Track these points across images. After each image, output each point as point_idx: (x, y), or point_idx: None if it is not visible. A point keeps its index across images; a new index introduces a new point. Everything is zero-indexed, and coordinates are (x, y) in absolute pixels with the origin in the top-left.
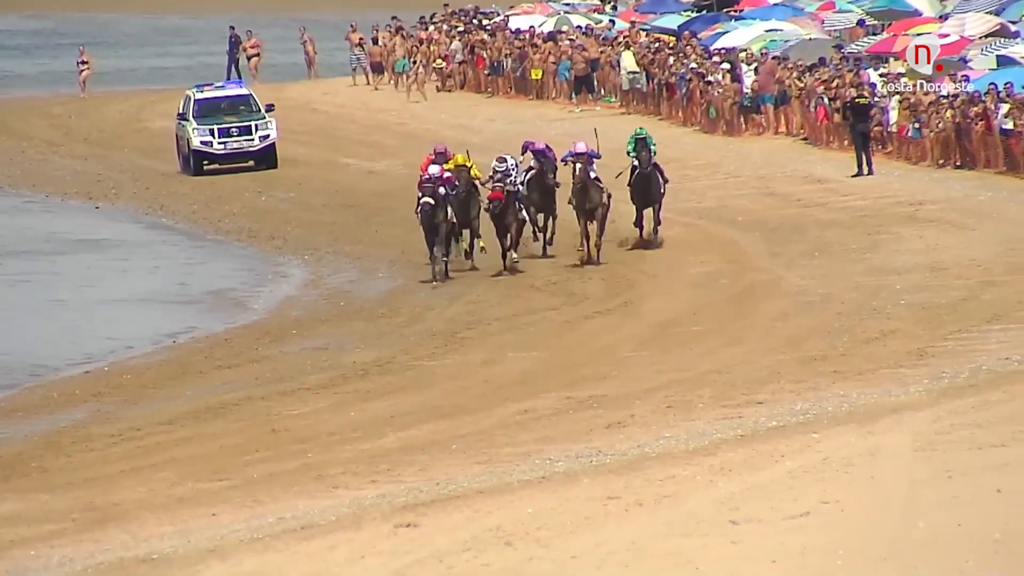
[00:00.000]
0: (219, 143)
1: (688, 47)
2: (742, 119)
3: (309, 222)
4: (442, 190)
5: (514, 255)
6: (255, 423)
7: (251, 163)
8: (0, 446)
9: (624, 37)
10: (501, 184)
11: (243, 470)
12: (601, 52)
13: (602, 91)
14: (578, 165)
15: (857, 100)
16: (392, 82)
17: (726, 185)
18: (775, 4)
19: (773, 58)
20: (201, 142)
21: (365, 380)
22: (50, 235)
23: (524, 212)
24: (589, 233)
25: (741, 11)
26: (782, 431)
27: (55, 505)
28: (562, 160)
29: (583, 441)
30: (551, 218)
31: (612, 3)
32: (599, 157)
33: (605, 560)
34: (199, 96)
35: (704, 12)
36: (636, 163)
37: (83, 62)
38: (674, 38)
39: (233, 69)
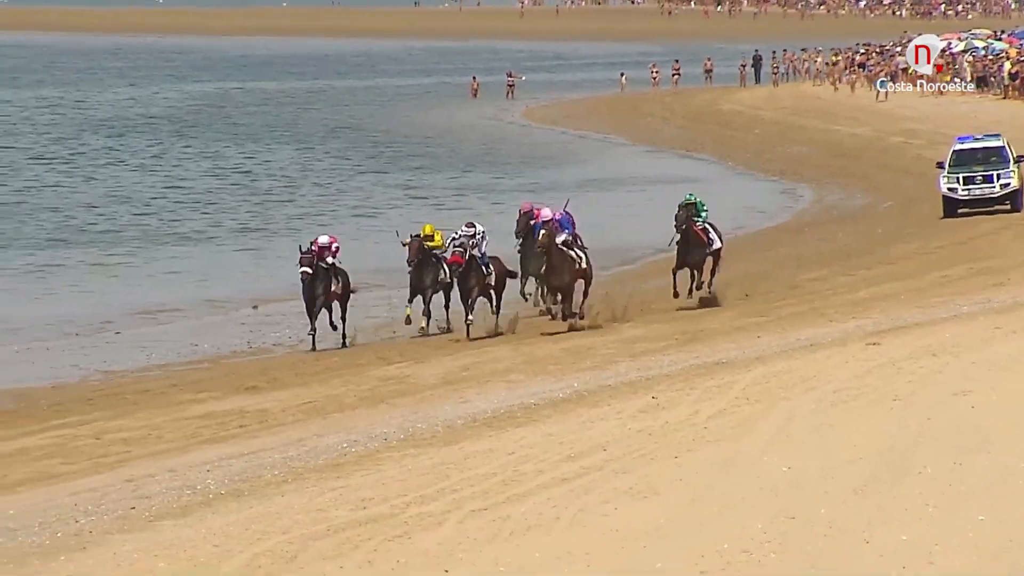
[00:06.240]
0: (963, 190)
1: None
2: None
3: (814, 164)
4: (330, 259)
5: (495, 317)
6: (785, 283)
7: (996, 207)
8: (634, 295)
9: (1004, 52)
10: (461, 249)
11: (775, 311)
12: (991, 62)
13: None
14: (543, 231)
15: None
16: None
17: None
18: None
19: None
20: (948, 188)
21: (849, 259)
22: (656, 173)
23: (492, 277)
24: (561, 308)
25: None
26: None
27: (663, 330)
28: (519, 235)
29: (978, 294)
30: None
31: (1000, 32)
32: (570, 229)
33: (992, 364)
34: (958, 147)
35: None
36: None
37: (511, 81)
38: None
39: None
